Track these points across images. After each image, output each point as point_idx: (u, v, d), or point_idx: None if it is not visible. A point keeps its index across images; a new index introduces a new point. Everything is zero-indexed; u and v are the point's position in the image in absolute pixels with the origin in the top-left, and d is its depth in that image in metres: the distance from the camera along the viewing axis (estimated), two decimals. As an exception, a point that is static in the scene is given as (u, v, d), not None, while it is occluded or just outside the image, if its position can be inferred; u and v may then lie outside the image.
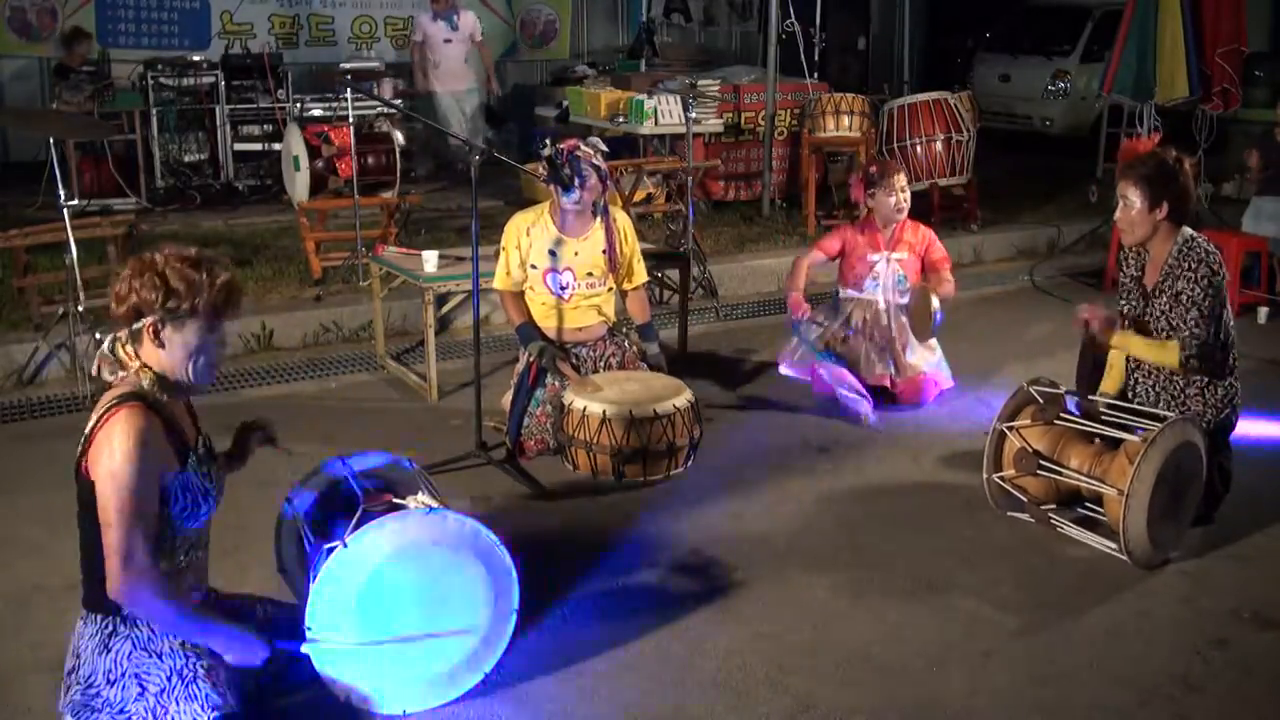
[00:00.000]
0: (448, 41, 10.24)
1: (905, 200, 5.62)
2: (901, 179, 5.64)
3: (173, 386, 2.81)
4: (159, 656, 2.74)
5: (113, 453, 2.62)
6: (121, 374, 2.77)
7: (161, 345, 2.75)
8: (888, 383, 5.59)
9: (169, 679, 2.73)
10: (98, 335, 5.73)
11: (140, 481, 2.63)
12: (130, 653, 2.74)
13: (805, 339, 5.62)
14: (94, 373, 2.81)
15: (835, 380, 5.47)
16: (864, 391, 5.44)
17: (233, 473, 3.21)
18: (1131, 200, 4.21)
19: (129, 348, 2.77)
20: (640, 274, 5.25)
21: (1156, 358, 4.17)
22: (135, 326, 2.74)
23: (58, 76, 9.84)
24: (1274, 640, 3.61)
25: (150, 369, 2.76)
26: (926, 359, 5.65)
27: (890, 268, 5.63)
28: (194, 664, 2.76)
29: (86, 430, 2.71)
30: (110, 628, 2.75)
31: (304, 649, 2.93)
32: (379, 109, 9.79)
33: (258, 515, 3.79)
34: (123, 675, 2.72)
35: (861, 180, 5.75)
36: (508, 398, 5.09)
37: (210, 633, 2.80)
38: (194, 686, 2.73)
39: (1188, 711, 3.23)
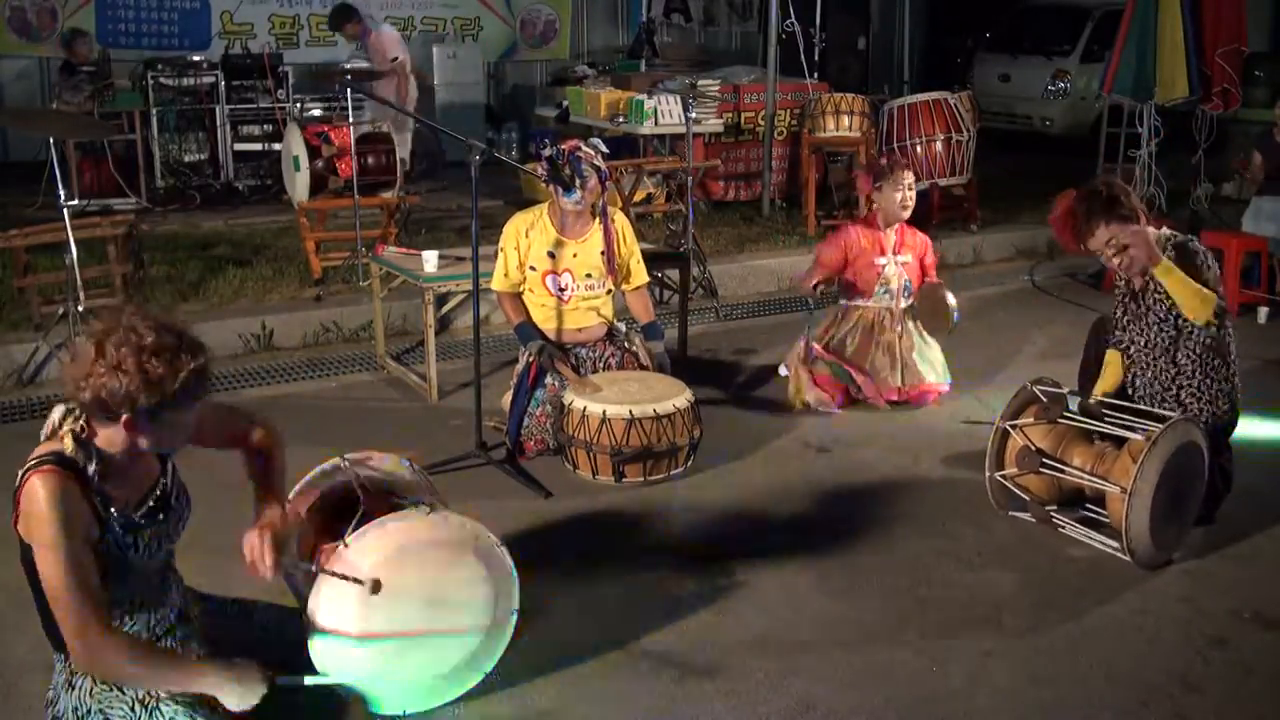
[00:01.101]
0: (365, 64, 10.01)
1: (911, 199, 5.59)
2: (910, 176, 5.60)
3: (116, 462, 2.67)
4: (120, 689, 2.72)
5: (38, 528, 2.52)
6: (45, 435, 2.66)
7: (139, 434, 2.61)
8: (895, 396, 5.56)
9: (132, 709, 2.70)
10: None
11: (72, 548, 2.53)
12: (91, 689, 2.72)
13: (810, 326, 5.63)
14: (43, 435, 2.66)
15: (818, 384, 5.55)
16: (838, 405, 5.54)
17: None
18: (1119, 237, 4.12)
19: (77, 422, 2.63)
20: (640, 275, 5.24)
21: (1192, 296, 4.06)
22: (105, 417, 2.58)
23: (64, 74, 9.85)
24: (1274, 640, 3.61)
25: (71, 434, 2.62)
26: (932, 366, 5.62)
27: (898, 272, 5.61)
28: (154, 690, 2.71)
29: (13, 490, 2.60)
30: (73, 666, 2.74)
31: (307, 681, 2.92)
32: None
33: (258, 515, 3.78)
34: (89, 712, 2.71)
35: (869, 174, 5.69)
36: (508, 398, 5.09)
37: (195, 680, 2.71)
38: (156, 714, 2.70)
39: (1187, 711, 3.23)
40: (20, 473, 2.59)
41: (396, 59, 9.55)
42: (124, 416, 2.56)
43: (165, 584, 2.89)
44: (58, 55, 10.86)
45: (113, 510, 2.67)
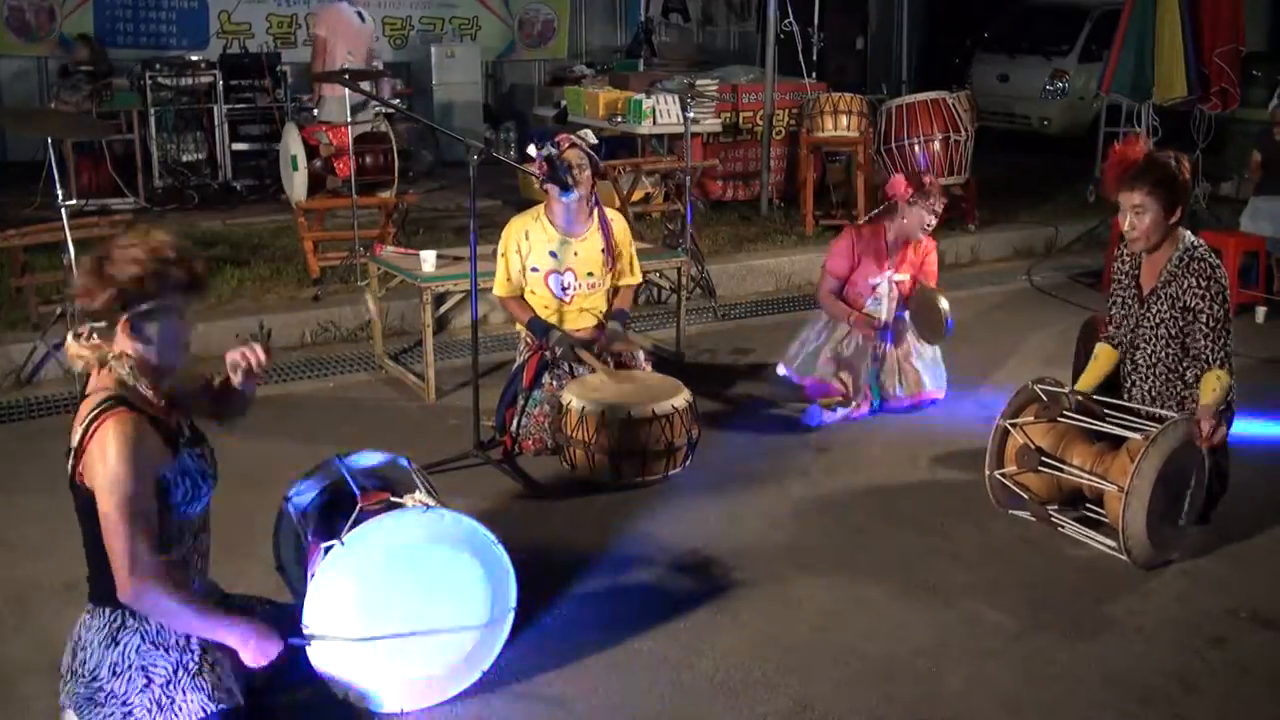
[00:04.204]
0: None
1: (933, 223, 5.55)
2: (942, 204, 5.55)
3: (153, 372, 2.79)
4: (165, 650, 2.77)
5: (107, 464, 2.62)
6: (99, 364, 2.73)
7: (139, 339, 2.74)
8: (896, 404, 5.54)
9: (174, 672, 2.76)
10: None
11: (137, 487, 2.64)
12: (139, 646, 2.76)
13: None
14: (76, 368, 2.78)
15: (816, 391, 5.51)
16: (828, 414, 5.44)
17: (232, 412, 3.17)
18: (1145, 208, 4.12)
19: (94, 338, 2.75)
20: (636, 275, 5.26)
21: (1218, 397, 4.05)
22: (110, 322, 2.72)
23: (61, 77, 9.87)
24: (1271, 639, 3.61)
25: (128, 355, 2.75)
26: (931, 372, 5.60)
27: (891, 289, 5.57)
28: (199, 657, 2.79)
29: (75, 443, 2.69)
30: (119, 621, 2.77)
31: (314, 639, 2.94)
32: (377, 109, 9.79)
33: (257, 514, 3.79)
34: (129, 668, 2.74)
35: (910, 184, 5.48)
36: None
37: (223, 629, 2.80)
38: (199, 679, 2.76)
39: (1185, 711, 3.23)
40: (86, 421, 2.66)
41: (320, 36, 9.46)
42: (123, 319, 2.69)
43: (204, 546, 3.00)
44: (56, 55, 10.87)
45: (174, 429, 2.80)
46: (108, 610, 2.78)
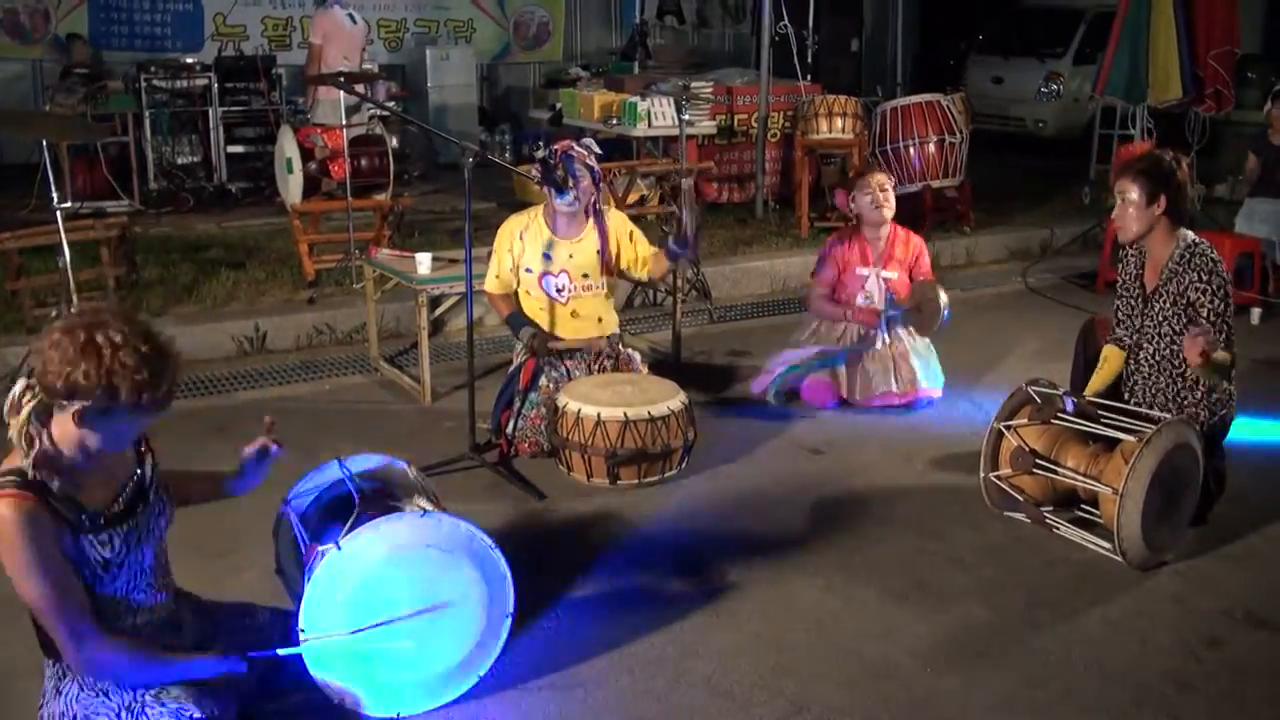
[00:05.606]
0: None
1: (884, 199, 5.58)
2: (879, 178, 5.62)
3: (79, 456, 2.60)
4: (105, 695, 2.72)
5: (12, 553, 2.51)
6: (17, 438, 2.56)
7: (85, 429, 2.56)
8: (896, 400, 5.54)
9: (118, 715, 2.71)
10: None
11: (48, 567, 2.52)
12: (78, 695, 2.73)
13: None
14: (6, 418, 2.57)
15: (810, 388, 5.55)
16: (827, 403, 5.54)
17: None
18: (1129, 195, 4.20)
19: (35, 400, 2.56)
20: (659, 266, 5.24)
21: (1222, 356, 4.02)
22: (60, 405, 2.53)
23: (62, 79, 9.88)
24: (1266, 640, 3.62)
25: (27, 437, 2.54)
26: (927, 370, 5.61)
27: (880, 285, 5.61)
28: (140, 695, 2.71)
29: None
30: (60, 672, 2.75)
31: (280, 652, 2.92)
32: (373, 111, 9.80)
33: (255, 517, 3.78)
34: (75, 718, 2.72)
35: (844, 190, 5.72)
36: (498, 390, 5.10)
37: (183, 673, 2.73)
38: (143, 718, 2.70)
39: (1181, 711, 3.24)
40: None
41: (315, 44, 9.43)
42: (76, 408, 2.50)
43: (155, 585, 2.84)
44: (51, 57, 10.87)
45: (84, 516, 2.61)
46: (51, 661, 2.76)
